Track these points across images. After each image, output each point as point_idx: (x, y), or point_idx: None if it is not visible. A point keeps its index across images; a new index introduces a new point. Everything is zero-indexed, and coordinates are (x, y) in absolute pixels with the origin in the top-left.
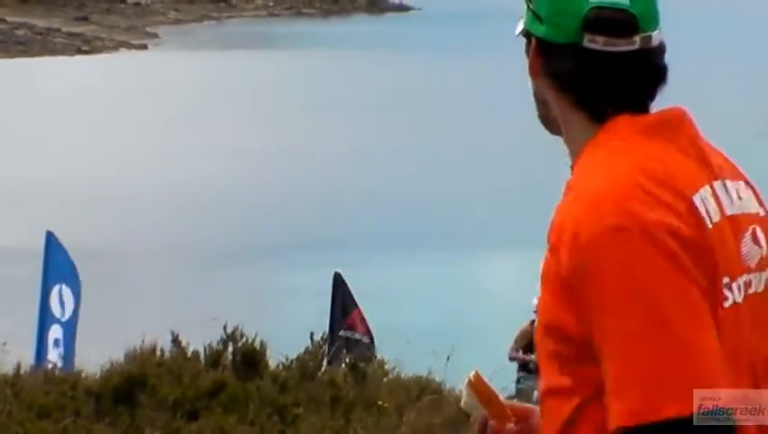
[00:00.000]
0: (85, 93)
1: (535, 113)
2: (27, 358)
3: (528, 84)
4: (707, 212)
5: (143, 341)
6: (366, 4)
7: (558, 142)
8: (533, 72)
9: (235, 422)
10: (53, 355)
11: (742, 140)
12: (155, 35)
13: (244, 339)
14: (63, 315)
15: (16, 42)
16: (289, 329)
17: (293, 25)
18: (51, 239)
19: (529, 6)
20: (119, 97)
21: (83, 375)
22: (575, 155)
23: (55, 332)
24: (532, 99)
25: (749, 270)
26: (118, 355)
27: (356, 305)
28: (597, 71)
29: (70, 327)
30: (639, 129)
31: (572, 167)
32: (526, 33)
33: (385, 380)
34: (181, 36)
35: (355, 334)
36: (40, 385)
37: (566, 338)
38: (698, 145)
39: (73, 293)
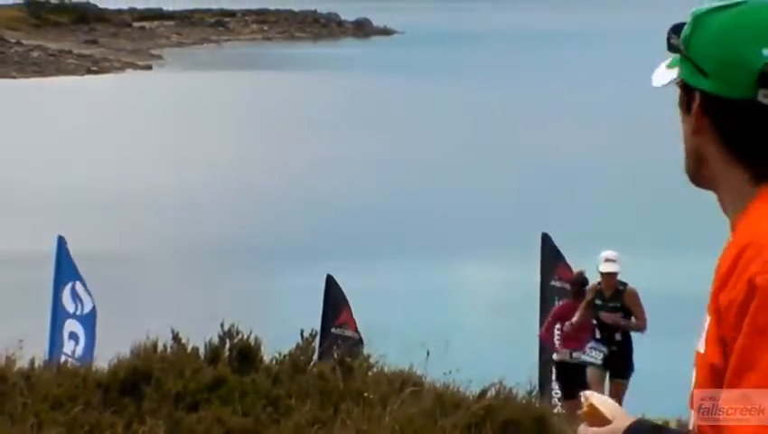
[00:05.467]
0: (94, 110)
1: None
2: (42, 354)
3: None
4: None
5: (147, 338)
6: (353, 29)
7: (533, 160)
8: (696, 129)
9: (232, 413)
10: (68, 348)
11: None
12: (159, 57)
13: (240, 336)
14: (80, 309)
15: (31, 63)
16: (282, 327)
17: (285, 48)
18: (61, 242)
19: (686, 57)
20: (125, 113)
21: (93, 369)
22: (734, 211)
23: (71, 326)
24: (682, 154)
25: None
26: (125, 351)
27: (347, 304)
28: None
29: (89, 321)
30: None
31: (732, 223)
32: (683, 85)
33: (370, 373)
34: (182, 57)
35: (346, 331)
36: (53, 378)
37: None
38: None
39: (87, 290)
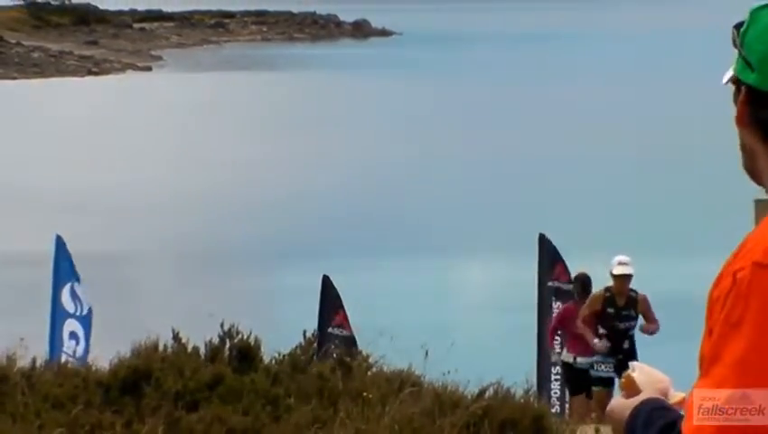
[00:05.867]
0: (94, 110)
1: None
2: (43, 353)
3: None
4: None
5: (147, 337)
6: (351, 30)
7: (525, 160)
8: (740, 121)
9: (231, 412)
10: (69, 348)
11: None
12: (159, 58)
13: (240, 336)
14: (78, 310)
15: (32, 65)
16: (280, 327)
17: (284, 49)
18: (59, 242)
19: (740, 53)
20: (126, 113)
21: (93, 368)
22: None
23: (70, 325)
24: (738, 149)
25: None
26: (125, 351)
27: (342, 305)
28: None
29: (86, 322)
30: None
31: None
32: (735, 80)
33: (369, 373)
34: (182, 58)
35: (343, 331)
36: (54, 378)
37: None
38: None
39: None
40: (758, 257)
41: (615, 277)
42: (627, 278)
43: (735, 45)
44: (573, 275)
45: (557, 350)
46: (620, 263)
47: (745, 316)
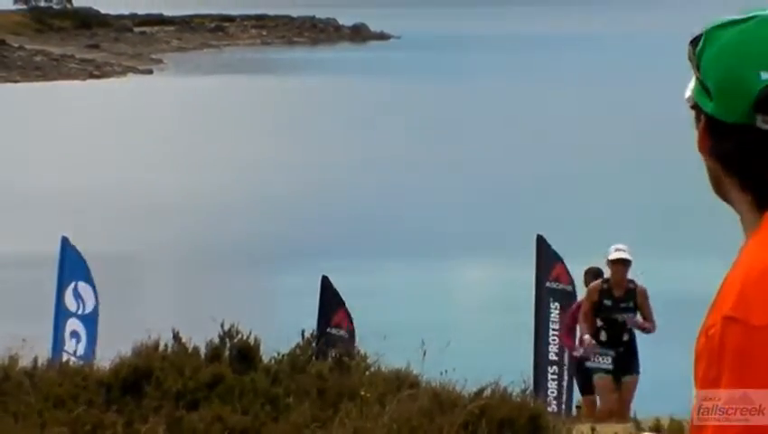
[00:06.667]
0: (96, 113)
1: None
2: (45, 353)
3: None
4: None
5: (148, 337)
6: (350, 34)
7: (528, 158)
8: (701, 149)
9: (231, 411)
10: (71, 346)
11: None
12: (160, 61)
13: (240, 336)
14: (82, 309)
15: (34, 68)
16: (279, 327)
17: (284, 52)
18: (65, 242)
19: (696, 75)
20: (127, 116)
21: (95, 368)
22: (744, 236)
23: (72, 325)
24: (706, 174)
25: None
26: (126, 350)
27: (342, 304)
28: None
29: (90, 320)
30: None
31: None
32: (694, 106)
33: (367, 373)
34: (183, 62)
35: (341, 331)
36: (56, 377)
37: None
38: None
39: (93, 289)
40: (727, 310)
41: (612, 262)
42: (625, 263)
43: (690, 63)
44: (573, 275)
45: (576, 345)
46: (617, 249)
47: (722, 374)
